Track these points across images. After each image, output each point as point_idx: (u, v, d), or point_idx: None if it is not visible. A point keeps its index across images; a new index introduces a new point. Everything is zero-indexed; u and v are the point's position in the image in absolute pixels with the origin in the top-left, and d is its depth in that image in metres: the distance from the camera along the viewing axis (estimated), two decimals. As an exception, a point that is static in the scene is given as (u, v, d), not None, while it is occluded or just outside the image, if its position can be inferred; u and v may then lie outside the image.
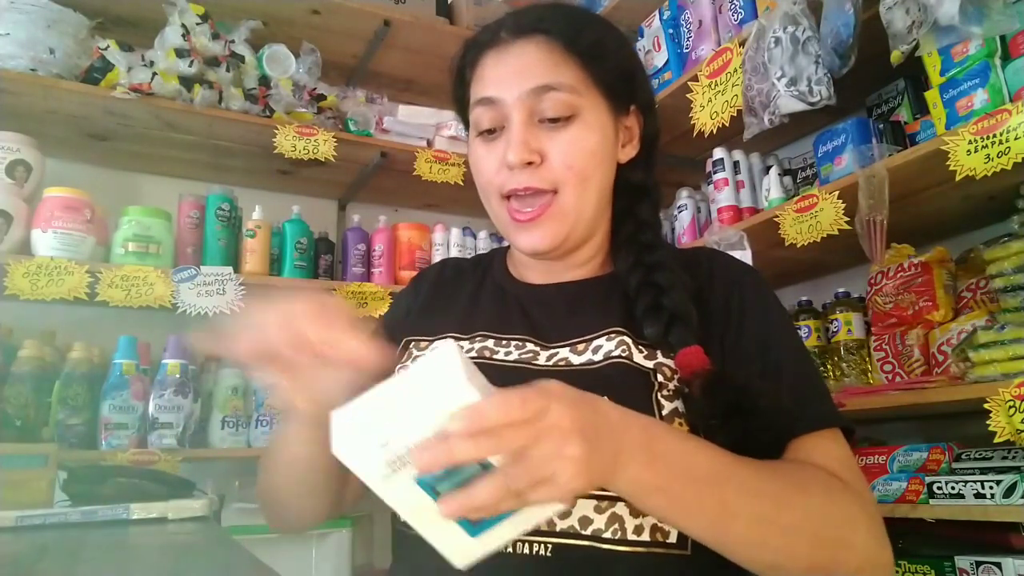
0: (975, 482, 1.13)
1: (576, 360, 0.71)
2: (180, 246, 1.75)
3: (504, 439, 0.47)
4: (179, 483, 1.22)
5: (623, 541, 0.62)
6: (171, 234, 1.73)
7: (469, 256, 2.02)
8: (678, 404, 0.67)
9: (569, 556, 0.62)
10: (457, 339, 0.77)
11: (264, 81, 1.85)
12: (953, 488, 1.15)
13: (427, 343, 0.79)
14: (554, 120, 0.72)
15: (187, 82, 1.70)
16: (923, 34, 1.16)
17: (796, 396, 0.69)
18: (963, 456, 1.24)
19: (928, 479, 1.20)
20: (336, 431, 0.48)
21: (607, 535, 0.62)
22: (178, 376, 1.59)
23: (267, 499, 0.80)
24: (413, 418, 0.48)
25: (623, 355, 0.70)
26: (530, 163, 0.72)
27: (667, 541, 0.63)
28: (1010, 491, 1.08)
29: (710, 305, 0.74)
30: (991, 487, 1.10)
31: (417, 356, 0.78)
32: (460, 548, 0.51)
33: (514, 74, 0.73)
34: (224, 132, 1.81)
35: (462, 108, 0.83)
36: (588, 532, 0.63)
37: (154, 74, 1.67)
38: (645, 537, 0.62)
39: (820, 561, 0.59)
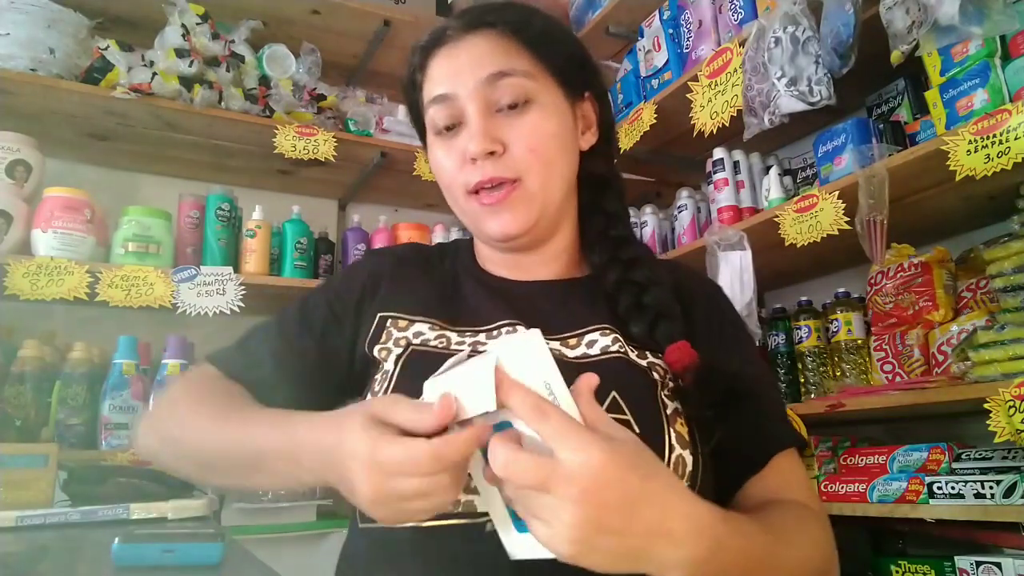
0: (975, 482, 1.13)
1: (570, 354, 0.71)
2: (180, 246, 1.75)
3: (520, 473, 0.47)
4: (179, 483, 1.22)
5: None
6: (171, 234, 1.73)
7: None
8: (677, 405, 0.67)
9: None
10: (441, 327, 0.74)
11: (264, 81, 1.85)
12: (953, 488, 1.15)
13: (406, 322, 0.75)
14: (512, 107, 0.72)
15: (187, 82, 1.70)
16: (923, 34, 1.16)
17: (770, 415, 0.72)
18: (963, 456, 1.24)
19: (928, 479, 1.20)
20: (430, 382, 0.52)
21: None
22: (178, 376, 1.59)
23: (196, 461, 0.72)
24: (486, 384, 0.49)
25: (621, 351, 0.70)
26: (492, 153, 0.71)
27: None
28: (1010, 491, 1.08)
29: (694, 309, 0.76)
30: (991, 487, 1.10)
31: (399, 337, 0.74)
32: (512, 540, 0.51)
33: (466, 67, 0.73)
34: (224, 132, 1.81)
35: (416, 114, 0.82)
36: None
37: (154, 74, 1.67)
38: None
39: None
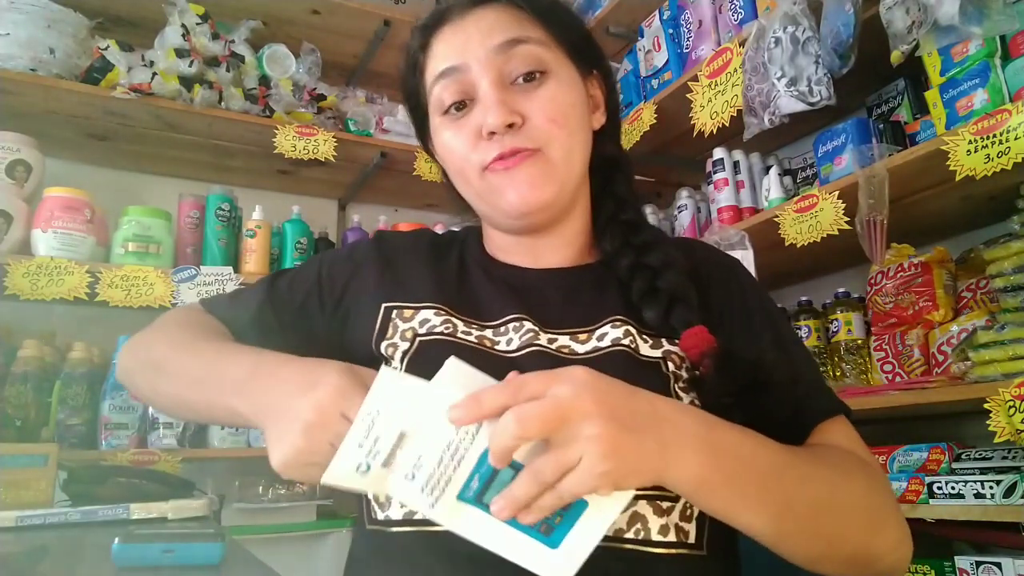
0: (975, 482, 1.13)
1: (580, 349, 0.68)
2: (180, 246, 1.75)
3: (524, 393, 0.48)
4: (179, 483, 1.22)
5: (646, 542, 0.60)
6: (171, 234, 1.73)
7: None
8: (694, 396, 0.65)
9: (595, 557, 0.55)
10: (447, 313, 0.71)
11: (264, 81, 1.85)
12: (953, 488, 1.15)
13: (411, 311, 0.72)
14: (528, 78, 0.68)
15: (187, 82, 1.70)
16: (923, 34, 1.16)
17: (809, 385, 0.69)
18: (963, 456, 1.24)
19: (928, 479, 1.20)
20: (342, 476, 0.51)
21: (629, 535, 0.60)
22: (178, 376, 1.59)
23: (164, 391, 0.74)
24: (428, 432, 0.51)
25: (630, 345, 0.67)
26: (511, 125, 0.66)
27: (687, 542, 0.61)
28: (1010, 491, 1.08)
29: (711, 291, 0.72)
30: (991, 487, 1.10)
31: (405, 329, 0.71)
32: (548, 562, 0.50)
33: (476, 37, 0.68)
34: (224, 132, 1.81)
35: (415, 102, 0.77)
36: (610, 533, 0.57)
37: (154, 74, 1.67)
38: (672, 538, 0.60)
39: (863, 543, 0.59)
